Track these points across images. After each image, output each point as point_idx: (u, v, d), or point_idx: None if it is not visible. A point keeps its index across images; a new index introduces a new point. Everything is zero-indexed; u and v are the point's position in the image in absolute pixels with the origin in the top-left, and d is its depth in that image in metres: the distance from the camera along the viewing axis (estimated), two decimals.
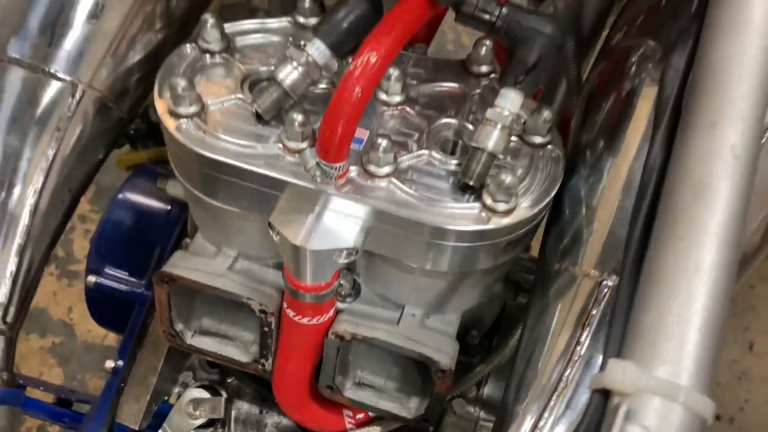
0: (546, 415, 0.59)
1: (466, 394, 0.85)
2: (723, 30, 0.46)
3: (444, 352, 0.71)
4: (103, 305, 0.95)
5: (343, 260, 0.65)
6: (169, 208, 0.97)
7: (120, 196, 0.98)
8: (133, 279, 0.92)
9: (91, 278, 0.92)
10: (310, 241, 0.63)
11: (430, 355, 0.70)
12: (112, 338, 1.93)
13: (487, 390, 0.85)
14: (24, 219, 0.62)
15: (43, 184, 0.64)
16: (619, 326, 0.40)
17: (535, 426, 0.60)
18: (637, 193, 0.51)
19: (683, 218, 0.39)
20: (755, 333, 1.75)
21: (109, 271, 0.92)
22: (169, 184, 0.81)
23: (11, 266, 0.61)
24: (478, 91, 0.72)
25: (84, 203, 1.59)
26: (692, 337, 0.36)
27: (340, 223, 0.65)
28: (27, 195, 0.63)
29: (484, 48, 0.72)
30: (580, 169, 0.69)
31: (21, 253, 0.62)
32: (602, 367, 0.41)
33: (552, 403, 0.60)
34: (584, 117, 0.73)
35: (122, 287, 0.92)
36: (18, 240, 0.62)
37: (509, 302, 0.83)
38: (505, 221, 0.63)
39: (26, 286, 0.64)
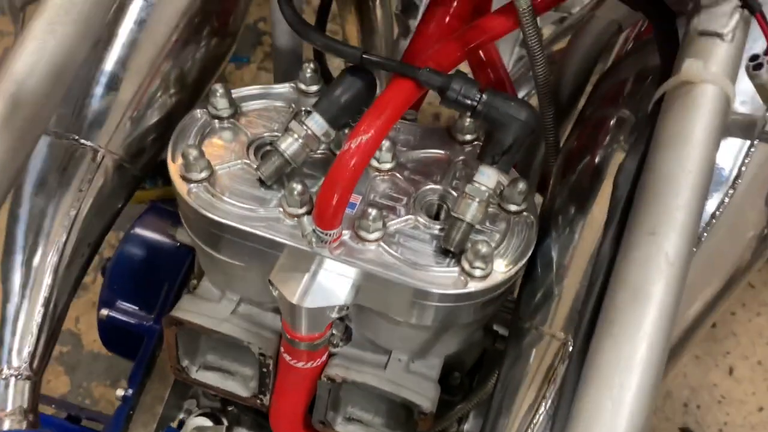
0: None
1: (447, 430, 0.92)
2: (666, 143, 0.53)
3: (426, 396, 0.78)
4: (114, 335, 1.02)
5: (335, 314, 0.72)
6: (178, 245, 1.04)
7: (133, 232, 1.05)
8: (142, 313, 0.99)
9: (104, 311, 0.99)
10: (305, 300, 0.70)
11: (413, 399, 0.77)
12: None
13: (467, 426, 0.92)
14: (47, 276, 0.69)
15: (65, 241, 0.71)
16: (566, 405, 0.47)
17: None
18: (587, 286, 0.58)
19: (619, 319, 0.45)
20: (735, 358, 1.81)
21: (120, 305, 1.00)
22: (179, 231, 0.88)
23: (37, 318, 0.68)
24: (462, 157, 0.79)
25: None
26: (622, 422, 0.43)
27: (333, 281, 0.71)
28: (49, 253, 0.70)
29: (468, 120, 0.79)
30: (553, 231, 0.75)
31: (46, 306, 0.69)
32: None
33: None
34: (560, 179, 0.80)
35: (132, 321, 0.99)
36: (43, 294, 0.69)
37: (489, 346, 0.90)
38: (482, 285, 0.69)
39: (51, 333, 0.71)
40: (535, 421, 0.67)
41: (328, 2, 1.03)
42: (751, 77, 0.61)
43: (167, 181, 1.17)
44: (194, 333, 0.86)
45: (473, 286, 0.69)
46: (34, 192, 0.70)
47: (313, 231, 0.69)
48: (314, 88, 0.82)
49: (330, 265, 0.71)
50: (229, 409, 1.00)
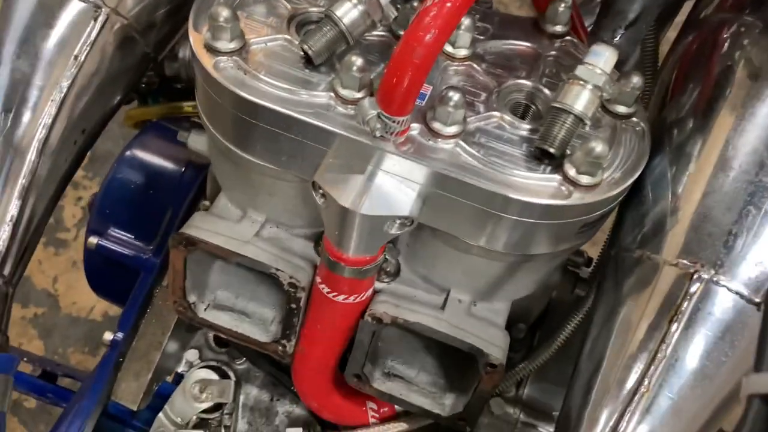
0: (626, 419, 0.51)
1: (504, 393, 0.77)
2: None
3: (495, 345, 0.63)
4: (104, 271, 0.86)
5: (395, 230, 0.57)
6: (183, 169, 0.88)
7: (128, 153, 0.89)
8: (139, 243, 0.83)
9: (93, 239, 0.83)
10: (362, 205, 0.55)
11: (481, 346, 0.62)
12: (98, 312, 1.83)
13: (528, 390, 0.77)
14: (30, 156, 0.53)
15: (55, 118, 0.54)
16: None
17: None
18: None
19: None
20: None
21: (113, 233, 0.83)
22: (192, 136, 0.72)
23: (12, 210, 0.52)
24: (552, 52, 0.64)
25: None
26: None
27: (396, 186, 0.56)
28: (36, 129, 0.53)
29: (563, 5, 0.64)
30: (665, 150, 0.61)
31: (24, 197, 0.53)
32: (758, 368, 0.33)
33: (632, 406, 0.52)
34: (667, 96, 0.66)
35: (127, 251, 0.83)
36: (22, 180, 0.53)
37: (559, 295, 0.75)
38: (589, 197, 0.55)
39: (27, 236, 0.55)
40: (653, 367, 0.52)
41: None
42: None
43: (171, 97, 1.02)
44: (206, 260, 0.70)
45: (578, 198, 0.54)
46: (15, 52, 0.53)
47: (378, 116, 0.53)
48: None
49: (393, 164, 0.56)
50: (238, 363, 0.85)
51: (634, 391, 0.52)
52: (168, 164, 0.87)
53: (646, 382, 0.52)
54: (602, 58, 0.54)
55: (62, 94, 0.55)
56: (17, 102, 0.53)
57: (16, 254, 0.53)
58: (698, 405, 0.51)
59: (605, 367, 0.55)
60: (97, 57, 0.58)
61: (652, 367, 0.52)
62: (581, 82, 0.54)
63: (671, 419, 0.51)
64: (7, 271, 0.52)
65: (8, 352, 0.52)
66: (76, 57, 0.56)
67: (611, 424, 0.52)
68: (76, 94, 0.56)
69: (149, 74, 0.96)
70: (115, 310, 1.87)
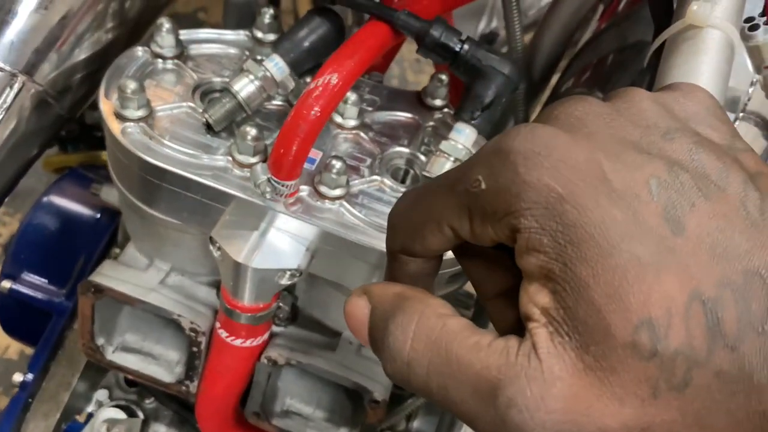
0: None
1: (395, 426, 0.83)
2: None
3: (378, 383, 0.70)
4: (16, 313, 0.89)
5: (285, 281, 0.63)
6: (98, 216, 0.92)
7: (45, 199, 0.93)
8: (52, 287, 0.87)
9: (6, 283, 0.85)
10: (253, 259, 0.61)
11: (365, 384, 0.69)
12: (13, 351, 1.80)
13: (416, 424, 0.84)
14: None
15: None
16: None
17: None
18: None
19: None
20: None
21: (26, 277, 0.87)
22: (104, 190, 0.77)
23: None
24: (431, 123, 0.73)
25: None
26: None
27: (286, 242, 0.63)
28: None
29: (440, 82, 0.73)
30: None
31: None
32: None
33: None
34: None
35: (39, 295, 0.86)
36: None
37: None
38: (451, 254, 0.63)
39: None
40: None
41: None
42: (746, 39, 0.58)
43: (91, 144, 1.06)
44: (113, 305, 0.75)
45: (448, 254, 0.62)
46: None
47: (268, 180, 0.61)
48: (272, 37, 0.74)
49: (283, 223, 0.63)
50: (147, 402, 0.88)
51: None
52: (83, 211, 0.91)
53: None
54: (463, 135, 0.63)
55: None
56: None
57: None
58: None
59: None
60: (12, 121, 0.63)
61: None
62: (446, 155, 0.63)
63: None
64: None
65: None
66: None
67: None
68: None
69: (69, 123, 1.00)
70: (30, 350, 1.84)
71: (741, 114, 0.65)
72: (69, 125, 1.01)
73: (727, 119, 0.33)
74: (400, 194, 0.66)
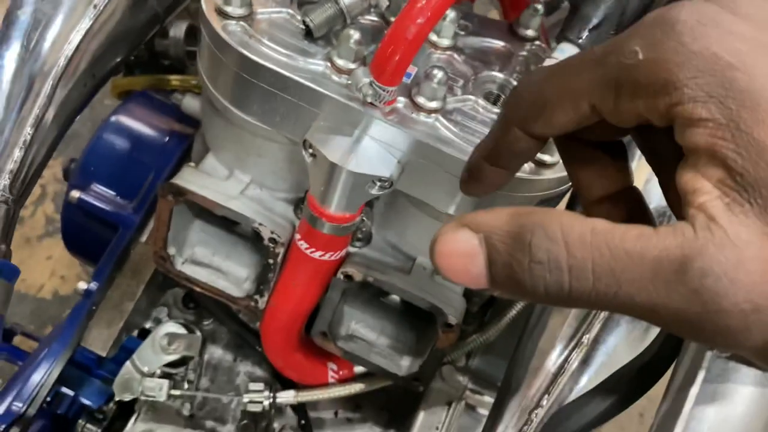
0: (566, 369, 0.58)
1: (455, 362, 0.83)
2: None
3: (453, 306, 0.70)
4: (82, 226, 0.89)
5: (375, 191, 0.63)
6: (167, 138, 0.92)
7: (114, 117, 0.93)
8: (120, 200, 0.87)
9: (75, 193, 0.86)
10: (349, 162, 0.61)
11: (441, 306, 0.69)
12: (48, 290, 1.81)
13: (476, 362, 0.83)
14: (46, 88, 0.57)
15: (70, 58, 0.59)
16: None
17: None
18: None
19: None
20: (644, 402, 1.79)
21: (95, 188, 0.87)
22: (186, 99, 0.76)
23: (25, 135, 0.56)
24: (523, 53, 0.72)
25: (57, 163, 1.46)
26: None
27: (380, 151, 0.62)
28: (54, 64, 0.57)
29: (534, 12, 0.72)
30: None
31: (37, 125, 0.57)
32: None
33: (572, 358, 0.59)
34: None
35: (108, 207, 0.86)
36: (36, 110, 0.57)
37: None
38: (548, 174, 0.62)
39: (36, 161, 0.58)
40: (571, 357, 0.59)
41: None
42: None
43: (160, 69, 1.06)
44: (189, 213, 0.75)
45: (538, 173, 0.62)
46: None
47: (370, 84, 0.60)
48: None
49: (379, 130, 0.62)
50: (205, 324, 0.89)
51: (572, 347, 0.59)
52: (152, 131, 0.91)
53: (584, 339, 0.60)
54: (567, 55, 0.62)
55: (81, 36, 0.59)
56: (37, 38, 0.57)
57: (25, 176, 0.57)
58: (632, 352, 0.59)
59: (545, 334, 0.62)
60: (112, 9, 0.63)
61: (587, 324, 0.60)
62: None
63: (606, 370, 0.59)
64: (16, 189, 0.56)
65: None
66: (95, 6, 0.60)
67: (551, 374, 0.59)
68: (91, 39, 0.61)
69: (139, 47, 1.00)
70: (65, 290, 1.86)
71: None
72: (138, 50, 1.01)
73: None
74: (494, 115, 0.65)
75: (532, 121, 0.35)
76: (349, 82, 0.61)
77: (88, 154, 0.89)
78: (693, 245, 0.27)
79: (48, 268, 1.83)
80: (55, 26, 0.58)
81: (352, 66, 0.63)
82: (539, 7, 0.72)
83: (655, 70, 0.29)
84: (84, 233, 0.89)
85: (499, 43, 0.72)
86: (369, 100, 0.60)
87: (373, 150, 0.63)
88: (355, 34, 0.61)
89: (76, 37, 0.59)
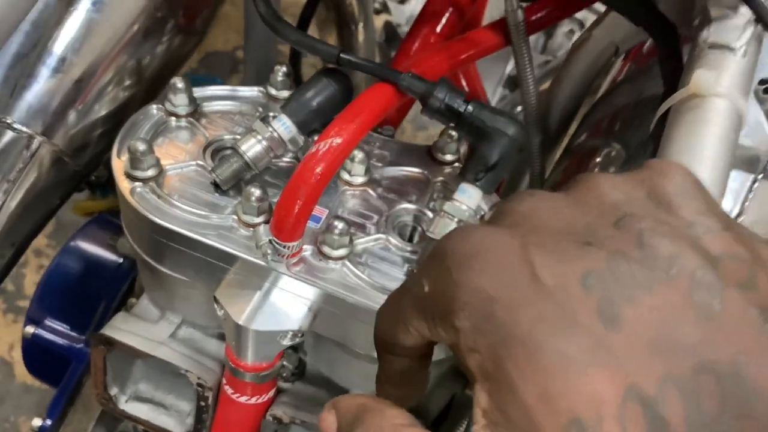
0: None
1: None
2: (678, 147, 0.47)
3: None
4: (40, 357, 0.91)
5: (287, 342, 0.63)
6: (120, 261, 0.94)
7: (72, 243, 0.96)
8: (73, 333, 0.89)
9: (29, 329, 0.88)
10: (254, 321, 0.61)
11: None
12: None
13: None
14: None
15: None
16: None
17: None
18: None
19: None
20: None
21: (49, 322, 0.89)
22: (120, 241, 0.79)
23: None
24: (440, 178, 0.72)
25: (41, 237, 1.54)
26: None
27: (288, 303, 0.63)
28: None
29: (450, 137, 0.73)
30: None
31: None
32: None
33: None
34: None
35: (60, 341, 0.88)
36: None
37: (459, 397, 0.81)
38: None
39: None
40: None
41: (309, 15, 0.98)
42: (762, 101, 0.56)
43: None
44: (126, 356, 0.76)
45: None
46: None
47: (270, 242, 0.61)
48: (285, 93, 0.75)
49: (286, 283, 0.63)
50: None
51: None
52: (106, 257, 0.93)
53: None
54: (467, 196, 0.62)
55: None
56: None
57: None
58: None
59: None
60: (30, 179, 0.65)
61: None
62: (449, 216, 0.62)
63: None
64: None
65: None
66: (8, 180, 0.63)
67: None
68: (8, 213, 0.63)
69: (100, 169, 1.03)
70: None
71: (761, 175, 0.62)
72: (99, 171, 1.04)
73: (702, 195, 0.31)
74: (406, 253, 0.65)
75: (391, 346, 0.37)
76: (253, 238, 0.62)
77: (43, 286, 0.91)
78: None
79: None
80: None
81: (257, 220, 0.64)
82: (453, 133, 0.72)
83: (438, 302, 0.31)
84: (42, 364, 0.91)
85: (416, 171, 0.73)
86: (270, 258, 0.61)
87: (282, 302, 0.63)
88: (255, 192, 0.62)
89: None
